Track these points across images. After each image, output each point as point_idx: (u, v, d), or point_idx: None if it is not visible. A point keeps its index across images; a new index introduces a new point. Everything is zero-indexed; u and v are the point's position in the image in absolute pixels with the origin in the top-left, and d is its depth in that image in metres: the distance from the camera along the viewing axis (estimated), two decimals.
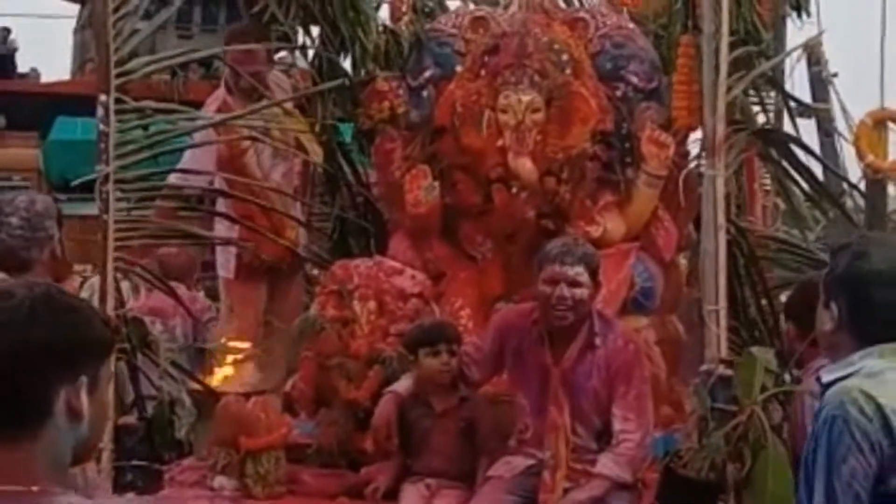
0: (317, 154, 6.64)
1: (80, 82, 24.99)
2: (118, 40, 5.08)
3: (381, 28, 6.55)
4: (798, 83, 7.19)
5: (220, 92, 6.55)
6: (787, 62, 6.49)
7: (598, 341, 4.71)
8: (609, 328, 4.81)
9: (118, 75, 5.07)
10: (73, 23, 26.86)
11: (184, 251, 7.37)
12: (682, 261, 6.46)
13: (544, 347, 4.76)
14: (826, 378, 3.02)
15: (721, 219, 4.72)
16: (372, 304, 5.58)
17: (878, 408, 2.82)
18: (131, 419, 5.14)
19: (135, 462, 5.12)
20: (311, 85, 6.71)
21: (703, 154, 5.46)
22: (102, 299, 5.05)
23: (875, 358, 2.95)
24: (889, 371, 2.92)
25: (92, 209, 19.55)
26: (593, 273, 4.72)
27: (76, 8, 26.74)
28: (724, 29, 4.66)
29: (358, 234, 6.79)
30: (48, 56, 29.16)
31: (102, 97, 5.10)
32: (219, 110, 6.42)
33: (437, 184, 5.93)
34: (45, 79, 25.39)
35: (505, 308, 5.43)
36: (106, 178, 5.12)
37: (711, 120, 4.66)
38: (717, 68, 4.64)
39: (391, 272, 5.73)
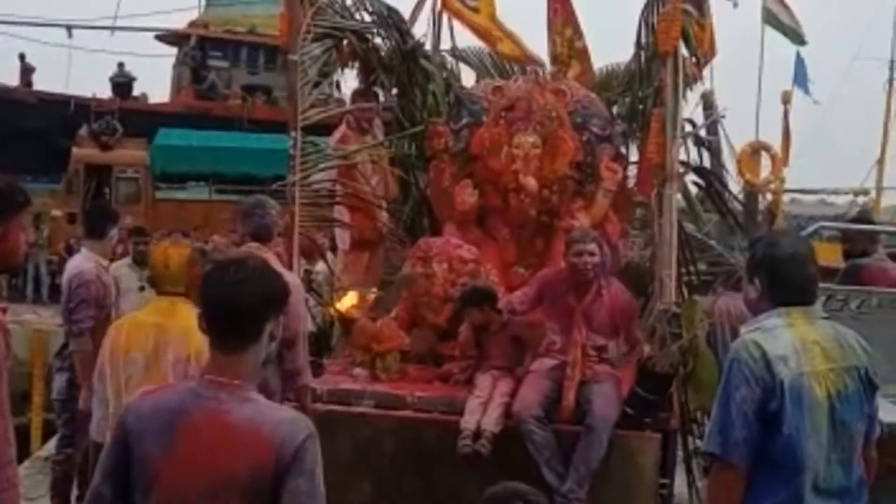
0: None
1: (175, 103, 25.26)
2: (301, 98, 5.56)
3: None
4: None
5: (343, 127, 6.82)
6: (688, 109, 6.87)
7: (603, 291, 5.08)
8: (610, 283, 5.17)
9: (302, 119, 5.54)
10: (172, 60, 27.08)
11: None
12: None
13: (570, 294, 5.10)
14: (742, 332, 3.06)
15: (675, 218, 5.10)
16: (445, 265, 5.93)
17: (763, 354, 2.86)
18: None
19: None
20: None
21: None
22: (290, 261, 5.41)
23: (775, 318, 2.96)
24: (780, 328, 2.94)
25: (182, 195, 19.63)
26: (601, 249, 5.14)
27: (174, 50, 27.02)
28: (681, 105, 5.12)
29: (419, 223, 7.18)
30: (154, 84, 28.93)
31: (293, 133, 5.52)
32: (341, 139, 6.75)
33: (475, 192, 6.39)
34: (151, 100, 25.55)
35: (544, 270, 5.73)
36: (293, 184, 5.53)
37: (670, 159, 5.07)
38: (674, 128, 5.07)
39: (455, 246, 6.11)
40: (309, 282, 5.76)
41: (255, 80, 25.83)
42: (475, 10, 7.60)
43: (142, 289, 6.61)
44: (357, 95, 6.90)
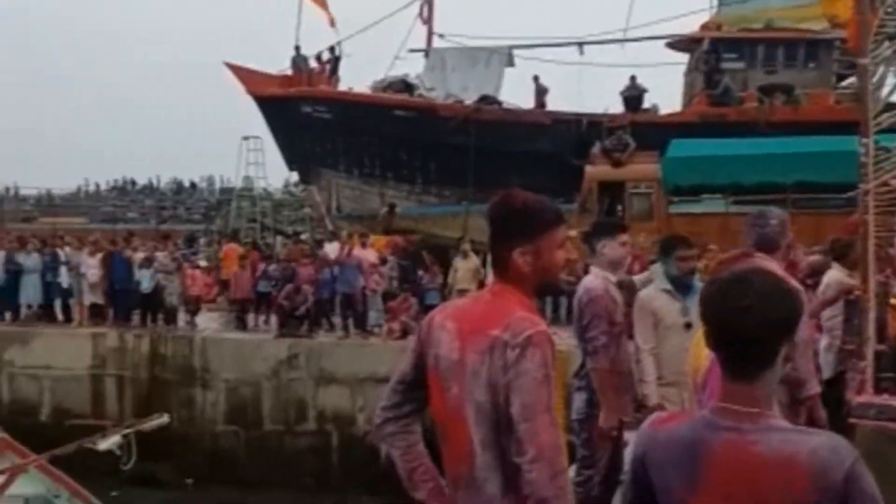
0: None
1: (687, 112, 25.82)
2: (873, 104, 5.67)
3: None
4: None
5: None
6: None
7: None
8: None
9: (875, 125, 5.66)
10: (683, 67, 28.03)
11: None
12: None
13: None
14: None
15: None
16: None
17: None
18: (882, 347, 5.56)
19: (885, 374, 5.56)
20: None
21: None
22: (865, 275, 5.57)
23: None
24: None
25: (697, 208, 20.02)
26: None
27: (685, 57, 27.91)
28: None
29: None
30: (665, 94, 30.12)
31: (864, 140, 5.66)
32: None
33: None
34: (662, 112, 26.49)
35: None
36: (866, 192, 5.65)
37: None
38: None
39: None
40: (885, 294, 5.68)
41: (774, 80, 25.62)
42: None
43: (688, 326, 5.74)
44: None
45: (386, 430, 3.05)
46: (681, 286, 5.93)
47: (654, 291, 6.02)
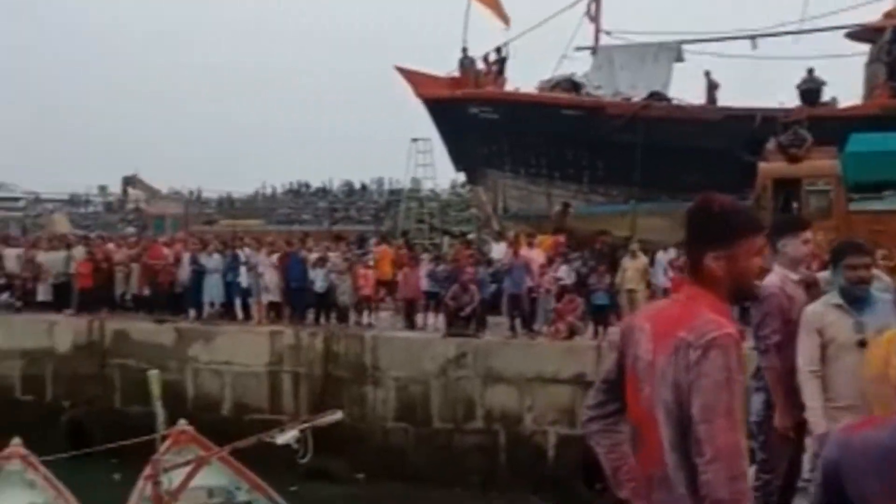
0: None
1: (868, 105, 24.94)
2: None
3: None
4: None
5: None
6: None
7: None
8: None
9: None
10: (864, 58, 26.88)
11: None
12: None
13: None
14: None
15: None
16: None
17: None
18: None
19: None
20: None
21: None
22: None
23: None
24: None
25: (879, 206, 19.25)
26: None
27: (866, 47, 26.80)
28: None
29: None
30: (845, 87, 28.86)
31: None
32: None
33: None
34: (841, 105, 25.60)
35: None
36: None
37: None
38: None
39: None
40: None
41: None
42: None
43: (861, 343, 5.06)
44: None
45: (591, 427, 3.16)
46: (853, 299, 5.34)
47: (823, 306, 5.42)
